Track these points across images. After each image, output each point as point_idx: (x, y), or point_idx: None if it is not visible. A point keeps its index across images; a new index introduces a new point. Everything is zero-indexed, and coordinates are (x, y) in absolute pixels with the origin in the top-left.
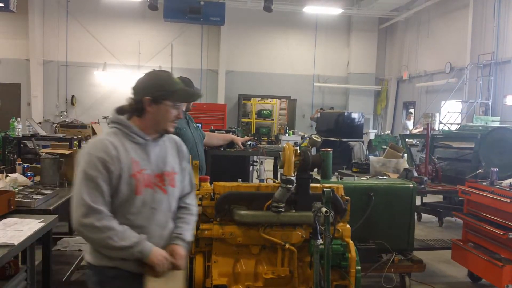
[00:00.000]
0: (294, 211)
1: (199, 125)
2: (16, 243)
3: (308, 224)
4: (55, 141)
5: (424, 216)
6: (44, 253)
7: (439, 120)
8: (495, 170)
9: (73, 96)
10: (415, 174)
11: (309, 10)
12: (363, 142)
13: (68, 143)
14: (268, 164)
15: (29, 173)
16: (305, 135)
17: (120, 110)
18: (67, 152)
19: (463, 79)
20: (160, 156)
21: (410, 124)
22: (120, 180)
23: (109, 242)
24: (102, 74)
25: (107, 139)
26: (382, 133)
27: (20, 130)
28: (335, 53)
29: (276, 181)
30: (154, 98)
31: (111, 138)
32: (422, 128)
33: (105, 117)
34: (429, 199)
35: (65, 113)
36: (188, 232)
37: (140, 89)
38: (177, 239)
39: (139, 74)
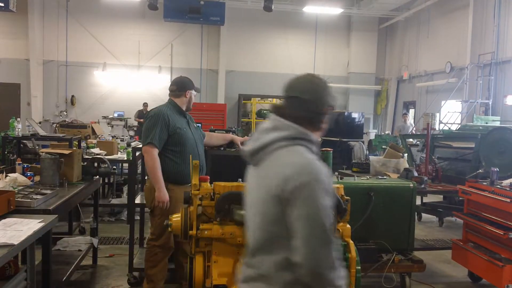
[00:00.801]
0: None
1: (199, 125)
2: (16, 243)
3: None
4: (55, 141)
5: (424, 216)
6: (44, 253)
7: (439, 120)
8: (495, 170)
9: (73, 96)
10: (415, 174)
11: (309, 10)
12: (363, 142)
13: (68, 143)
14: None
15: (29, 173)
16: None
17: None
18: (67, 152)
19: (463, 79)
20: None
21: (408, 125)
22: None
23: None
24: (102, 74)
25: (317, 160)
26: (382, 133)
27: (20, 130)
28: (335, 53)
29: None
30: (332, 107)
31: (314, 157)
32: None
33: (104, 117)
34: (429, 199)
35: (65, 113)
36: None
37: (320, 98)
38: None
39: (139, 74)
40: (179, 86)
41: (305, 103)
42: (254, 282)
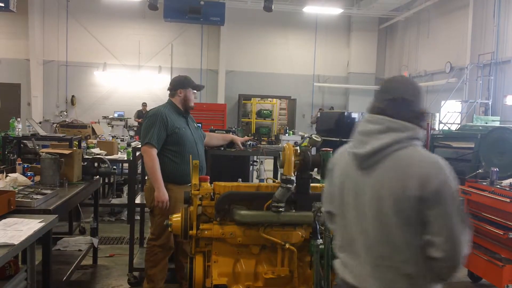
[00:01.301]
0: (294, 211)
1: (199, 125)
2: (16, 243)
3: (308, 224)
4: (55, 141)
5: None
6: (44, 253)
7: (439, 120)
8: (495, 170)
9: (73, 96)
10: None
11: (309, 10)
12: None
13: (68, 143)
14: (268, 164)
15: (29, 173)
16: (305, 135)
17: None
18: (67, 152)
19: (463, 79)
20: None
21: None
22: None
23: None
24: (102, 74)
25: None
26: None
27: (20, 130)
28: (335, 53)
29: (276, 181)
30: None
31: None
32: None
33: (105, 117)
34: None
35: (65, 113)
36: None
37: (421, 99)
38: None
39: (139, 74)
40: (173, 85)
41: (410, 104)
42: (400, 281)
